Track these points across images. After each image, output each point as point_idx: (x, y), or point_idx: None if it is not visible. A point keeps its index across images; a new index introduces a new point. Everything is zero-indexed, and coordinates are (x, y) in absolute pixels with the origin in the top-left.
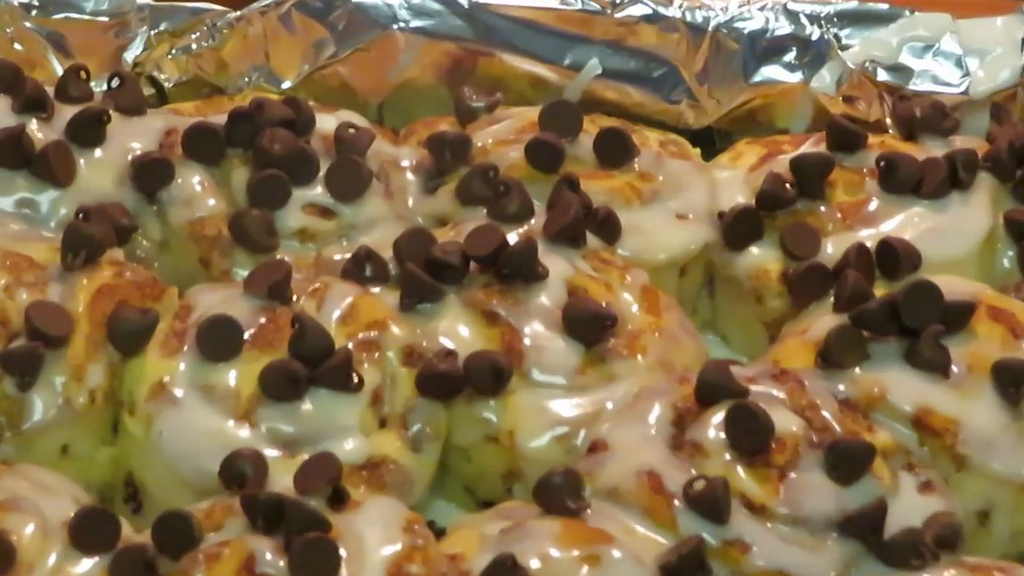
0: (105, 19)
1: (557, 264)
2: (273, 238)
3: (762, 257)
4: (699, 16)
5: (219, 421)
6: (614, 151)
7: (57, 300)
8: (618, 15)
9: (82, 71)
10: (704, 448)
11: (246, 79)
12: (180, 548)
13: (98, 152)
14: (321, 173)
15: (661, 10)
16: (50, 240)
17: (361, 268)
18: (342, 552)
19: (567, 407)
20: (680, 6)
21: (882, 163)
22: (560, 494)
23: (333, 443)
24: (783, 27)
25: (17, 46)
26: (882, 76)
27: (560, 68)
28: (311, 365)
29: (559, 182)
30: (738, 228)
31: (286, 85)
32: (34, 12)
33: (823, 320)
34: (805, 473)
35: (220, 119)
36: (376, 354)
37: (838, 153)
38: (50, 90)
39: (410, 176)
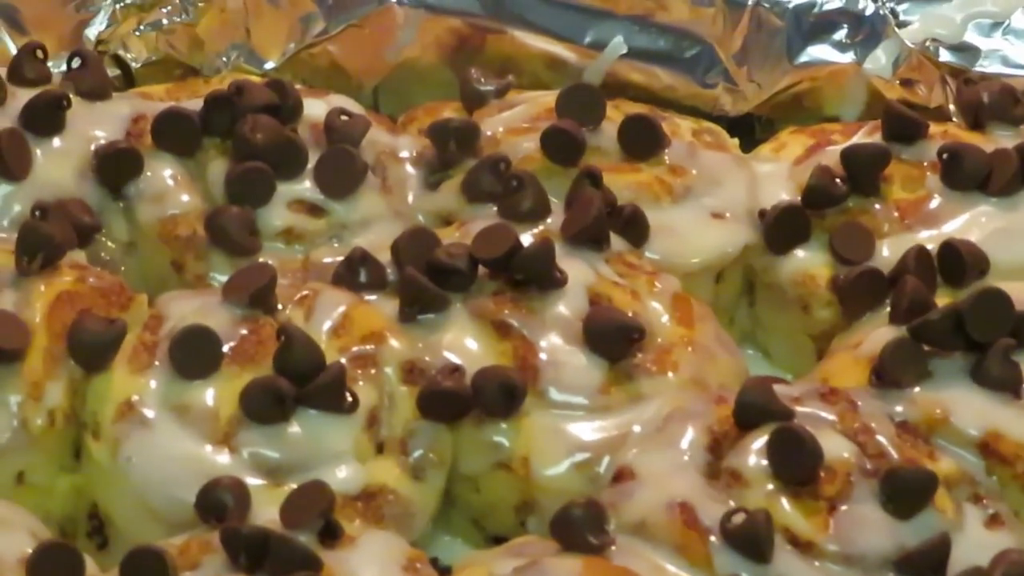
0: None
1: (577, 269)
2: (255, 239)
3: (809, 261)
4: None
5: (195, 446)
6: (641, 141)
7: (11, 309)
8: None
9: (39, 50)
10: (743, 477)
11: (224, 59)
12: None
13: (57, 141)
14: (309, 166)
15: None
16: (2, 241)
17: (355, 273)
18: None
19: (588, 430)
20: None
21: (945, 155)
22: (581, 529)
23: (324, 471)
24: (833, 0)
25: None
26: (945, 56)
27: (580, 47)
28: (299, 383)
29: (579, 176)
30: (781, 228)
31: (269, 66)
32: None
33: (878, 333)
34: (858, 505)
35: (195, 104)
36: (372, 370)
37: (895, 144)
38: (2, 71)
39: (410, 169)
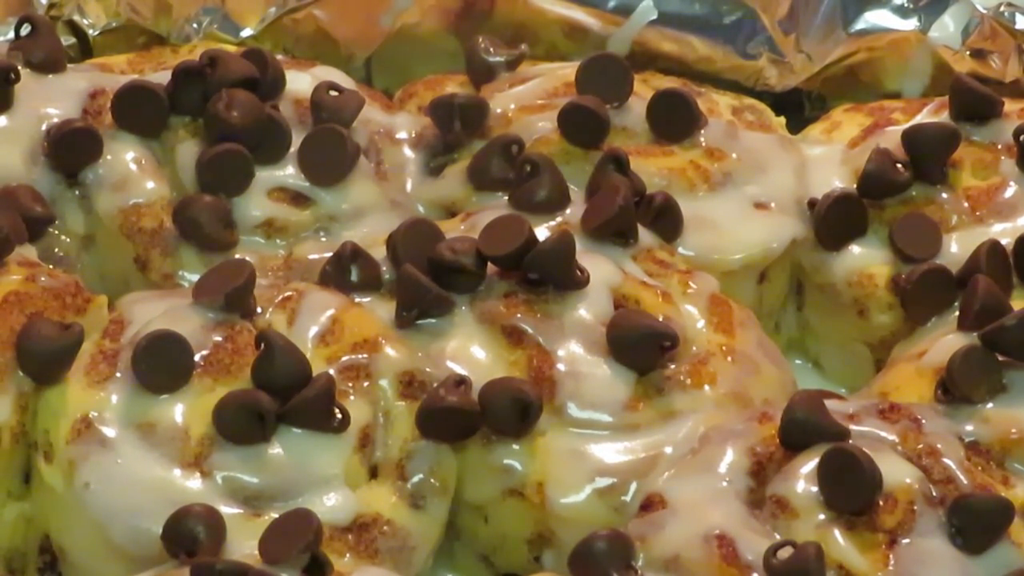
0: None
1: (600, 267)
2: (231, 232)
3: (866, 258)
4: None
5: (162, 469)
6: (673, 120)
7: None
8: None
9: None
10: (791, 505)
11: (195, 25)
12: None
13: (3, 120)
14: (293, 148)
15: None
16: None
17: (345, 271)
18: None
19: (613, 452)
20: None
21: (1021, 137)
22: (604, 565)
23: (310, 498)
24: None
25: None
26: (1022, 23)
27: (603, 12)
28: (281, 397)
29: (602, 160)
30: (835, 221)
31: (246, 33)
32: None
33: (945, 340)
34: (922, 539)
35: (161, 77)
36: (365, 383)
37: (965, 124)
38: None
39: (408, 152)
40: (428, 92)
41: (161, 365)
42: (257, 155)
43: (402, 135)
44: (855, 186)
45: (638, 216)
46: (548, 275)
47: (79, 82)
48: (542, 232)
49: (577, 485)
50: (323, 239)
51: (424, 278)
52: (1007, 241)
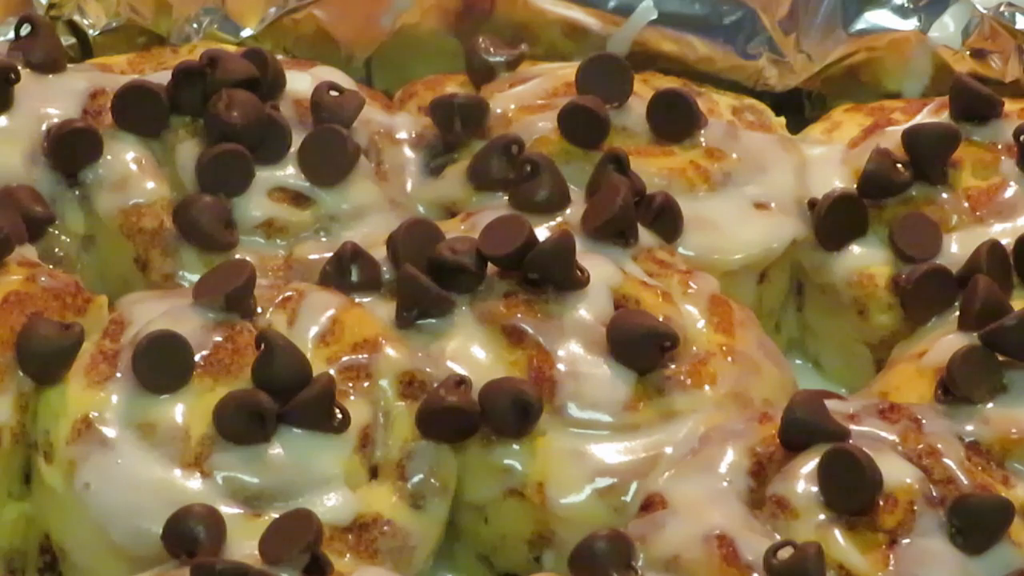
0: None
1: (600, 267)
2: (231, 232)
3: (866, 258)
4: None
5: (162, 470)
6: (673, 120)
7: None
8: None
9: None
10: (791, 506)
11: (195, 25)
12: None
13: (3, 120)
14: (293, 148)
15: None
16: None
17: (345, 271)
18: None
19: (613, 452)
20: None
21: (1021, 137)
22: (604, 565)
23: (310, 498)
24: None
25: None
26: (1022, 23)
27: (603, 12)
28: (281, 398)
29: (602, 160)
30: (835, 221)
31: (247, 33)
32: None
33: (945, 340)
34: (922, 539)
35: (162, 77)
36: (365, 383)
37: (965, 124)
38: None
39: (408, 152)
40: (428, 92)
41: (161, 365)
42: (257, 155)
43: (402, 135)
44: (855, 186)
45: (638, 216)
46: (548, 275)
47: (79, 82)
48: (542, 232)
49: (577, 485)
50: (323, 239)
51: (424, 278)
52: (1007, 241)
